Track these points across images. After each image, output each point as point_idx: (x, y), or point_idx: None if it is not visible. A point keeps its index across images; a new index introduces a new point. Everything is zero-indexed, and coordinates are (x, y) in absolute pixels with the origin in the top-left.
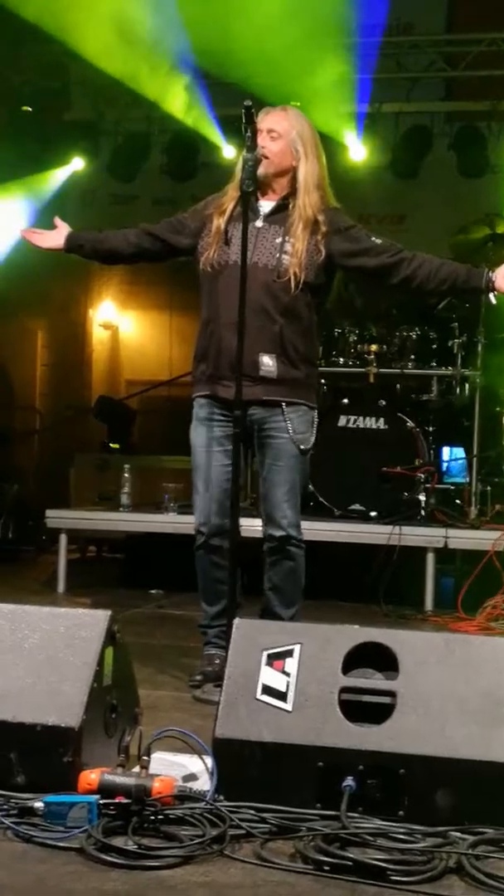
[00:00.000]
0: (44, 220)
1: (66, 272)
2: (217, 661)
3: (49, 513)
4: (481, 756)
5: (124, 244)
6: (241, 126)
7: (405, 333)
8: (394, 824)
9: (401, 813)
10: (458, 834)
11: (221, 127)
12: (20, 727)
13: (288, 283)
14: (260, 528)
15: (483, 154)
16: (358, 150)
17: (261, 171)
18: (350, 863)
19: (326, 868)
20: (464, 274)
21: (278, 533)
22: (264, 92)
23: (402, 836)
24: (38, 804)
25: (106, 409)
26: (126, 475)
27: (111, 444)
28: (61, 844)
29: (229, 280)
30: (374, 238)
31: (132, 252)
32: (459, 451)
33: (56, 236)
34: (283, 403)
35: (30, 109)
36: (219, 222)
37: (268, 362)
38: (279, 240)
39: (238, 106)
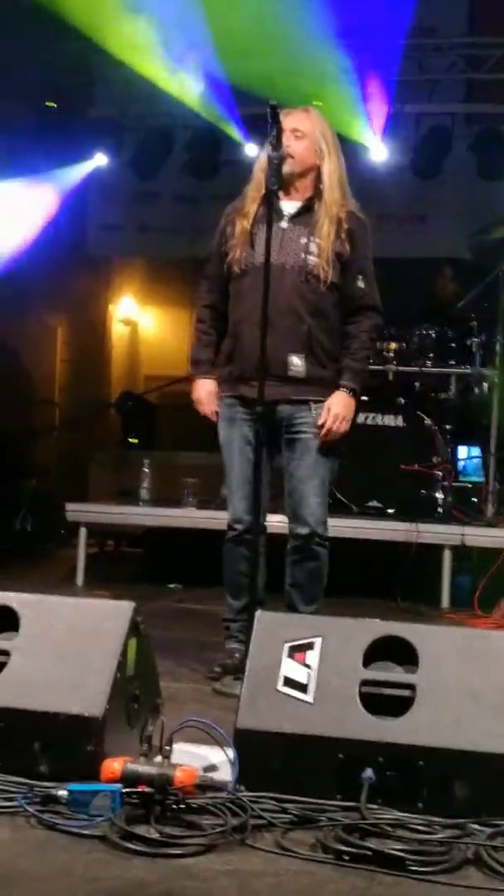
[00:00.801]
0: (66, 215)
1: (87, 268)
2: (237, 655)
3: (69, 506)
4: (499, 749)
5: (219, 325)
6: (262, 125)
7: (424, 332)
8: (412, 815)
9: (419, 804)
10: (477, 826)
11: (244, 126)
12: (44, 716)
13: (315, 283)
14: (287, 526)
15: (502, 156)
16: (379, 151)
17: (286, 169)
18: (369, 852)
19: (346, 857)
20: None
21: (304, 531)
22: (285, 92)
23: (420, 827)
24: (62, 792)
25: (128, 403)
26: (145, 470)
27: (130, 440)
28: (85, 832)
29: (256, 281)
30: (360, 281)
31: (223, 321)
32: (475, 450)
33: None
34: (312, 402)
35: (54, 105)
36: (243, 224)
37: (297, 362)
38: (304, 240)
39: (260, 106)
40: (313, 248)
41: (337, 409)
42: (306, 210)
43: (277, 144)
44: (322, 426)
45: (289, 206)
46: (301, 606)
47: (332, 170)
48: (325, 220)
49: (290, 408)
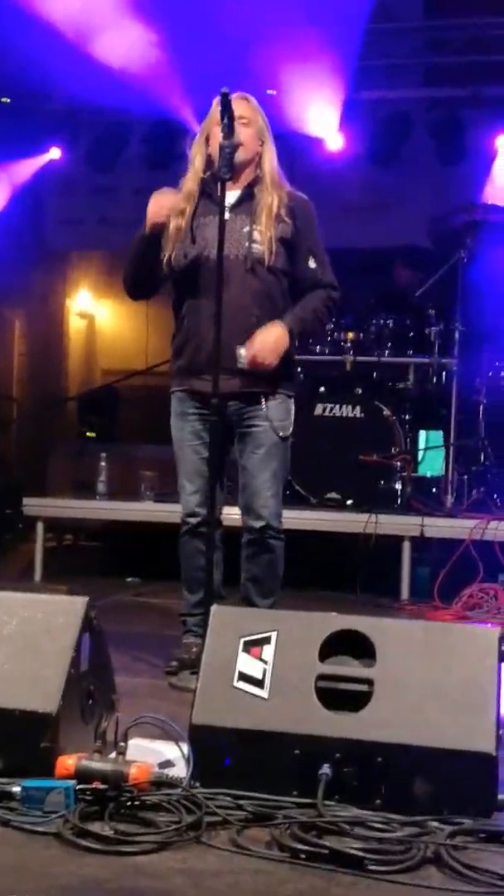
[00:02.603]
0: (23, 208)
1: (44, 261)
2: (194, 650)
3: (27, 500)
4: (460, 744)
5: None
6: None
7: (382, 321)
8: (371, 813)
9: (378, 801)
10: (436, 823)
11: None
12: None
13: (262, 271)
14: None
15: (462, 141)
16: (335, 139)
17: (238, 157)
18: (326, 851)
19: (303, 856)
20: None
21: (258, 524)
22: (242, 79)
23: (379, 825)
24: (16, 788)
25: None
26: (102, 463)
27: (87, 433)
28: (39, 829)
29: (202, 274)
30: (311, 262)
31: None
32: (436, 440)
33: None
34: (262, 394)
35: (8, 101)
36: (177, 221)
37: (244, 354)
38: (247, 228)
39: (212, 94)
40: (256, 235)
41: (264, 335)
42: (247, 198)
43: (230, 133)
44: (252, 357)
45: (230, 195)
46: (258, 600)
47: (271, 156)
48: (265, 206)
49: (240, 402)
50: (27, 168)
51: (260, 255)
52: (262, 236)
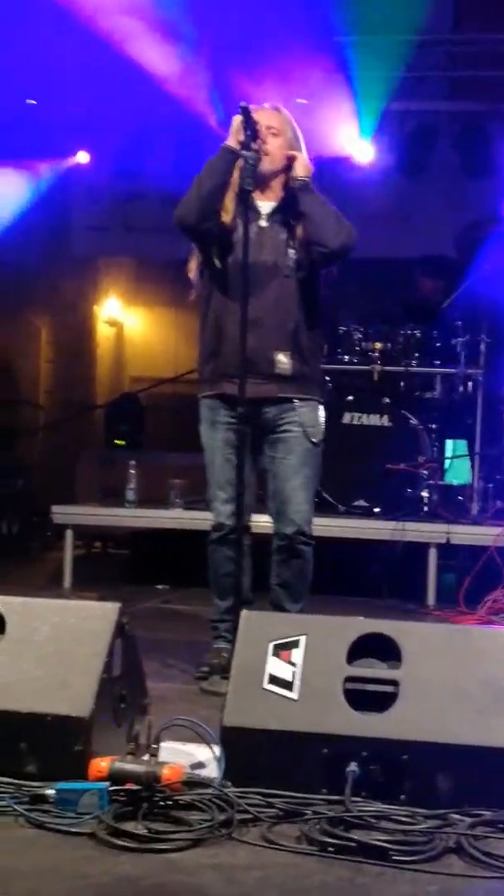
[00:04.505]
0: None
1: (72, 268)
2: (224, 655)
3: (55, 508)
4: (481, 742)
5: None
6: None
7: (409, 332)
8: (396, 807)
9: (402, 797)
10: (458, 816)
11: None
12: (32, 717)
13: (298, 280)
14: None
15: (487, 154)
16: (364, 150)
17: (263, 167)
18: (354, 844)
19: (331, 849)
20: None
21: (290, 529)
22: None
23: (403, 819)
24: (50, 791)
25: (125, 405)
26: (131, 471)
27: (116, 441)
28: (73, 830)
29: (236, 279)
30: None
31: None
32: (461, 449)
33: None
34: (296, 399)
35: (34, 102)
36: (225, 220)
37: (283, 360)
38: (284, 236)
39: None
40: (294, 243)
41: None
42: (284, 207)
43: (252, 145)
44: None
45: (265, 205)
46: (287, 605)
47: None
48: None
49: (275, 408)
50: (52, 170)
51: (297, 262)
52: (298, 245)
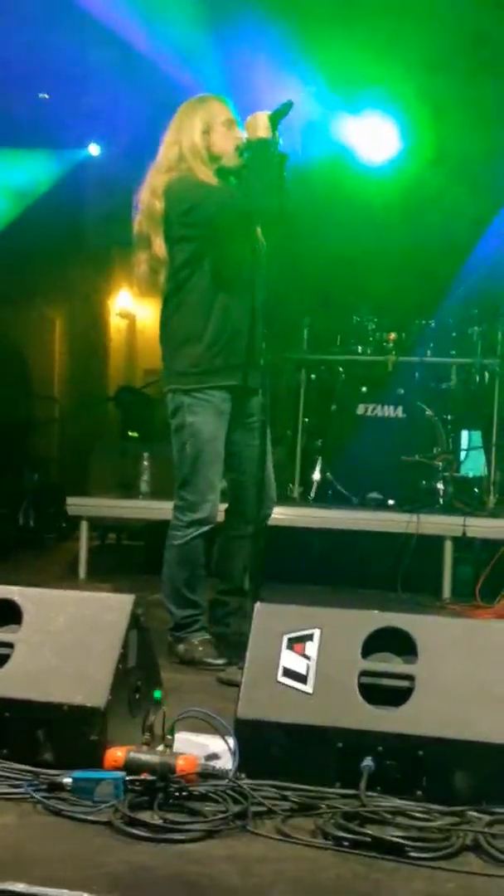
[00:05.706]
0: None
1: (86, 261)
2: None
3: (70, 500)
4: (498, 739)
5: None
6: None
7: (424, 321)
8: (412, 803)
9: (419, 793)
10: (475, 813)
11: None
12: (48, 706)
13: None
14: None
15: None
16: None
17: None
18: (369, 839)
19: (346, 844)
20: None
21: (270, 510)
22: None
23: (419, 815)
24: (67, 779)
25: (125, 398)
26: (145, 463)
27: (129, 433)
28: (90, 818)
29: (245, 271)
30: None
31: None
32: (478, 440)
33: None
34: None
35: (46, 97)
36: None
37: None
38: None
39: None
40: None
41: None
42: None
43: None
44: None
45: None
46: (249, 585)
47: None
48: None
49: (256, 396)
50: (65, 163)
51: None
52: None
